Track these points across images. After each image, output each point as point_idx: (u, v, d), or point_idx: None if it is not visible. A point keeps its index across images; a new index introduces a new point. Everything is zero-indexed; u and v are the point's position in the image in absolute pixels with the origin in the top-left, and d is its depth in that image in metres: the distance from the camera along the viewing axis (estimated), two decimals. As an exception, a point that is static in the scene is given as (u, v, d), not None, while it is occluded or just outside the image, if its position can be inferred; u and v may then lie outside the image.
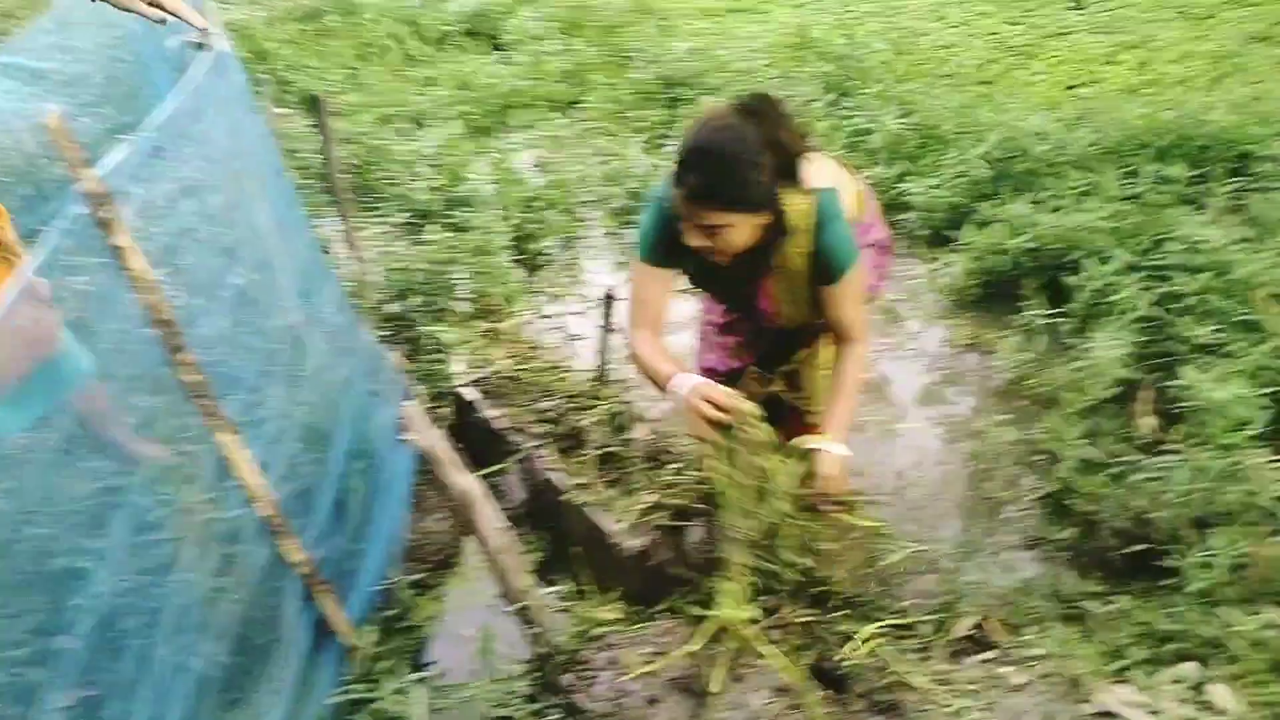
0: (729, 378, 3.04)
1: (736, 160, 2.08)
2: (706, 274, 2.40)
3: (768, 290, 2.49)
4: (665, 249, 2.29)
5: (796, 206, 2.22)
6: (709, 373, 3.08)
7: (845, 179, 2.52)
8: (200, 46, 2.31)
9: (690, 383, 2.16)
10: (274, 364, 2.30)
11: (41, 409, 2.03)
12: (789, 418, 2.85)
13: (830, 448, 2.23)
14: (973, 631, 2.30)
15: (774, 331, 2.61)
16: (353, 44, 7.14)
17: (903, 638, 2.30)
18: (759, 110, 2.11)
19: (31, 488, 1.46)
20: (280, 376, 2.29)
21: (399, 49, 6.98)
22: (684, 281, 2.49)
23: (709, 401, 2.09)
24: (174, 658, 1.63)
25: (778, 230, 2.26)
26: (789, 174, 2.14)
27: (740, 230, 2.17)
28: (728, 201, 2.12)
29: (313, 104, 3.46)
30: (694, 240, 2.19)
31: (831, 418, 2.32)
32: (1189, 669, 2.04)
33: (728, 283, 2.59)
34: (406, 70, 6.63)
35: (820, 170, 2.31)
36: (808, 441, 2.25)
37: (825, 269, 2.28)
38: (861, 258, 2.29)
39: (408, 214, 4.48)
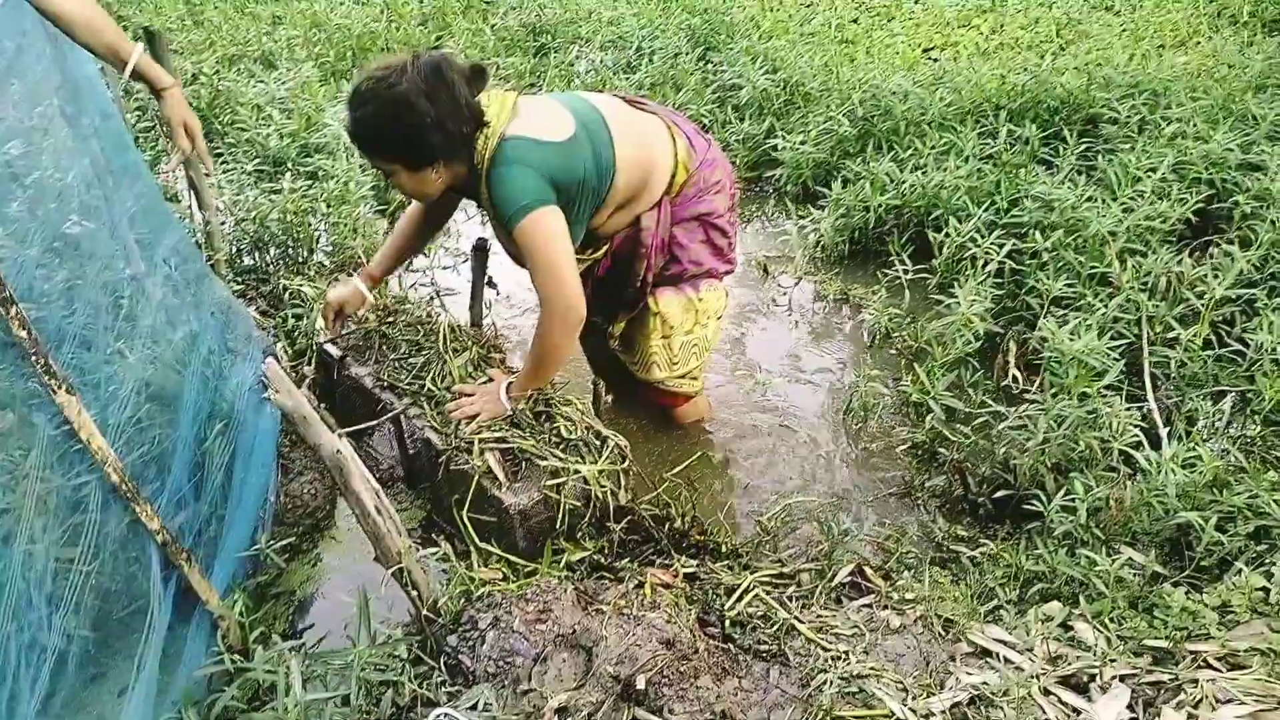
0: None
1: (376, 117, 2.14)
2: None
3: (496, 232, 2.49)
4: None
5: (483, 153, 2.25)
6: None
7: (652, 140, 2.48)
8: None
9: (349, 281, 2.71)
10: (111, 318, 2.11)
11: None
12: (650, 390, 2.84)
13: (500, 382, 2.47)
14: (851, 578, 2.35)
15: (590, 280, 2.63)
16: (191, -23, 6.65)
17: (784, 586, 2.33)
18: (421, 74, 2.12)
19: None
20: (119, 331, 2.11)
21: (243, -15, 6.55)
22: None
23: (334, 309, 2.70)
24: (24, 635, 1.48)
25: (471, 177, 2.31)
26: (431, 138, 2.15)
27: (401, 179, 2.27)
28: (372, 151, 2.24)
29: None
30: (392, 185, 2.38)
31: (515, 377, 2.49)
32: (1054, 608, 2.14)
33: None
34: (252, 7, 6.22)
35: (537, 117, 2.29)
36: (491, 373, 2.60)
37: (495, 216, 2.32)
38: (545, 215, 2.23)
39: (258, 161, 4.21)
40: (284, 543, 2.34)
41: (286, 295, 3.23)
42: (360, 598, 1.92)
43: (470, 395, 2.49)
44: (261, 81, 4.89)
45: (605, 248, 2.58)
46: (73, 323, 2.06)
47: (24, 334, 1.63)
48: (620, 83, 5.10)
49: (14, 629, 1.55)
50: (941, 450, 2.76)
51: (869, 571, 2.38)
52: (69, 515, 1.79)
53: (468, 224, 4.31)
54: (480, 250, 2.91)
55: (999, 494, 2.58)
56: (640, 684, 1.80)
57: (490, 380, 2.55)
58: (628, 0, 6.21)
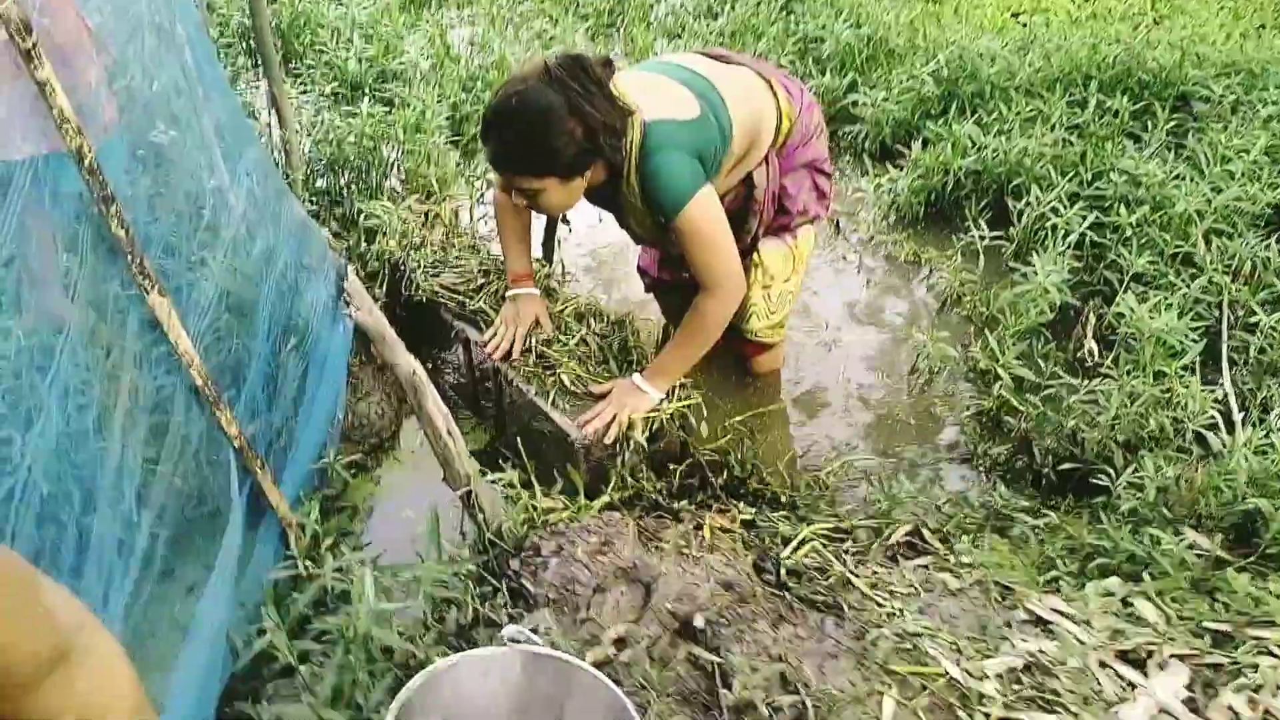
0: (657, 283, 2.99)
1: (534, 129, 2.05)
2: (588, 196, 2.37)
3: (631, 224, 2.44)
4: None
5: (626, 146, 2.17)
6: (641, 271, 3.02)
7: (755, 95, 2.40)
8: None
9: (517, 296, 2.52)
10: (196, 227, 2.15)
11: None
12: (736, 340, 2.81)
13: (640, 384, 2.34)
14: (908, 538, 2.34)
15: None
16: (275, -104, 6.62)
17: (841, 541, 2.33)
18: (568, 76, 2.04)
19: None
20: (202, 240, 2.14)
21: (327, -95, 6.51)
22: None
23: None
24: (112, 532, 1.53)
25: (612, 174, 2.23)
26: (601, 139, 2.09)
27: (553, 194, 2.17)
28: (526, 169, 2.12)
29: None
30: (516, 199, 2.22)
31: (657, 360, 2.39)
32: (1115, 583, 2.12)
33: (604, 208, 2.55)
34: (334, -70, 6.19)
35: (663, 97, 2.22)
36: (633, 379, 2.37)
37: (655, 206, 2.24)
38: (706, 197, 2.20)
39: (336, 84, 4.22)
40: (350, 459, 2.39)
41: (360, 218, 3.25)
42: (431, 516, 1.96)
43: (604, 395, 2.37)
44: (342, 4, 4.88)
45: None
46: (158, 229, 2.09)
47: (122, 233, 1.66)
48: (700, 27, 5.02)
49: (105, 524, 1.60)
50: (1008, 419, 2.72)
51: (926, 533, 2.37)
52: (152, 415, 1.83)
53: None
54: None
55: (1064, 466, 2.55)
56: (700, 622, 1.82)
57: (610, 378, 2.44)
58: (711, -55, 6.09)
